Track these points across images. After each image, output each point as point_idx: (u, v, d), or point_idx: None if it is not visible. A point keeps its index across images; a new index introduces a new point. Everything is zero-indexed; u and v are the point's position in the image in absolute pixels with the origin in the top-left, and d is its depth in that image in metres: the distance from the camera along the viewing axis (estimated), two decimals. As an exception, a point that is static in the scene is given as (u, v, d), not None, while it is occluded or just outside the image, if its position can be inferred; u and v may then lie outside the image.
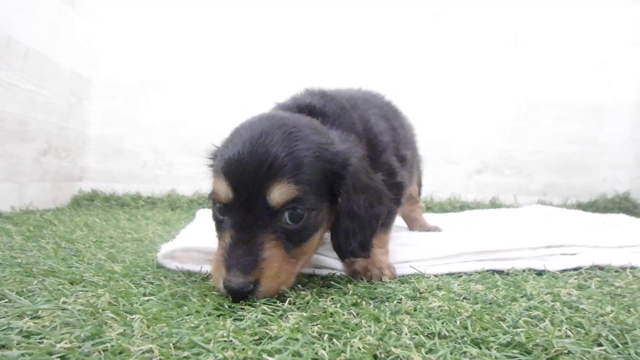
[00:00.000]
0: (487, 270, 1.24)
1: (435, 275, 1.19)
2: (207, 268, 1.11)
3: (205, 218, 1.95)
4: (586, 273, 1.26)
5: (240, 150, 0.95)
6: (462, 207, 3.31)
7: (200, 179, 3.32)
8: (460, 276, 1.20)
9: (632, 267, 1.30)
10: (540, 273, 1.25)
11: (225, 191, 0.94)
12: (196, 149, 3.31)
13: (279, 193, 0.92)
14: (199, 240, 1.21)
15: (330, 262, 1.19)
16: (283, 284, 0.95)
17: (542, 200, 3.45)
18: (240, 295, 0.88)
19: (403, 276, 1.17)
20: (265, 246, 0.92)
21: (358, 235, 1.05)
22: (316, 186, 0.98)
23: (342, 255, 1.07)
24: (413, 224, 2.03)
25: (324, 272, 1.16)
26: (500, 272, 1.24)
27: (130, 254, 1.34)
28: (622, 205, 3.34)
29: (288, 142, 0.97)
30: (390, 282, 1.10)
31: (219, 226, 0.99)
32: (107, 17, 3.26)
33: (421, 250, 1.29)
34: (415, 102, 3.40)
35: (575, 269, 1.30)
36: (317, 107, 1.24)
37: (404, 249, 1.32)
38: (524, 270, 1.26)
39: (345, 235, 1.04)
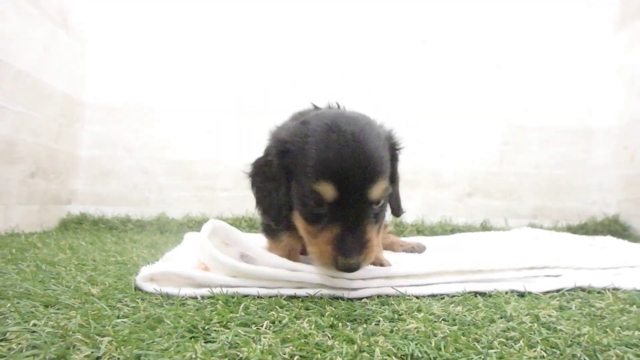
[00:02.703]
0: (469, 292, 1.23)
1: (417, 297, 1.19)
2: (186, 291, 1.10)
3: (193, 242, 1.94)
4: (568, 294, 1.26)
5: (342, 155, 1.12)
6: (453, 230, 3.31)
7: (190, 202, 3.32)
8: (442, 298, 1.19)
9: (614, 289, 1.30)
10: (522, 294, 1.25)
11: (332, 193, 1.11)
12: (187, 171, 3.32)
13: (377, 190, 1.14)
14: (179, 264, 1.20)
15: (314, 277, 1.18)
16: (378, 252, 1.29)
17: (533, 224, 3.45)
18: (353, 270, 1.12)
19: (382, 297, 1.16)
20: (366, 230, 1.13)
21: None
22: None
23: (397, 214, 1.44)
24: (393, 247, 2.02)
25: (304, 292, 1.15)
26: (482, 294, 1.24)
27: (111, 277, 1.32)
28: (612, 228, 3.35)
29: (374, 141, 1.17)
30: (370, 302, 1.09)
31: (316, 219, 1.16)
32: (99, 40, 3.29)
33: (402, 267, 1.28)
34: (403, 126, 3.44)
35: (557, 291, 1.29)
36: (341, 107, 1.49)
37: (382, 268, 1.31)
38: (506, 292, 1.25)
39: (397, 198, 1.43)
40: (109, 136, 3.30)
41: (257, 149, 1.44)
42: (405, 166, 3.52)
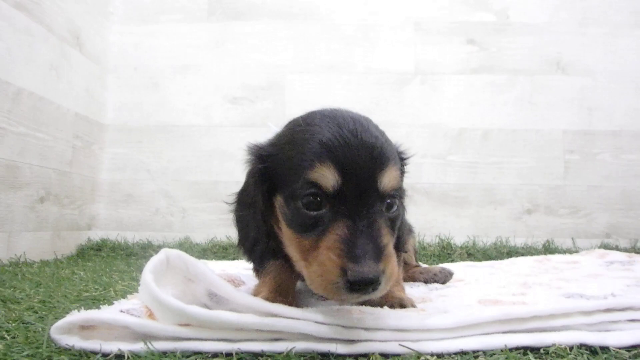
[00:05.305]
0: (516, 349, 0.87)
1: (439, 357, 0.84)
2: (111, 347, 0.81)
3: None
4: (666, 351, 0.87)
5: (341, 134, 0.89)
6: (510, 252, 2.88)
7: (215, 225, 3.09)
8: (477, 356, 0.84)
9: None
10: (595, 351, 0.87)
11: (333, 178, 0.87)
12: (211, 193, 3.10)
13: (388, 179, 0.90)
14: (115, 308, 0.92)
15: (294, 324, 0.85)
16: (396, 275, 0.90)
17: (606, 244, 2.97)
18: (370, 286, 0.81)
19: (388, 357, 0.82)
20: (383, 232, 0.87)
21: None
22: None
23: (398, 247, 1.03)
24: (414, 276, 1.66)
25: (277, 346, 0.83)
26: (535, 350, 0.87)
27: (53, 320, 1.06)
28: None
29: (379, 132, 0.96)
30: None
31: (312, 225, 0.89)
32: (118, 60, 3.19)
33: (423, 316, 0.94)
34: (442, 138, 3.12)
35: (649, 345, 0.90)
36: None
37: (394, 313, 0.97)
38: (571, 348, 0.87)
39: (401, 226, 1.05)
40: (130, 158, 3.15)
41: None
42: (451, 183, 3.17)
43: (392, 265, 0.85)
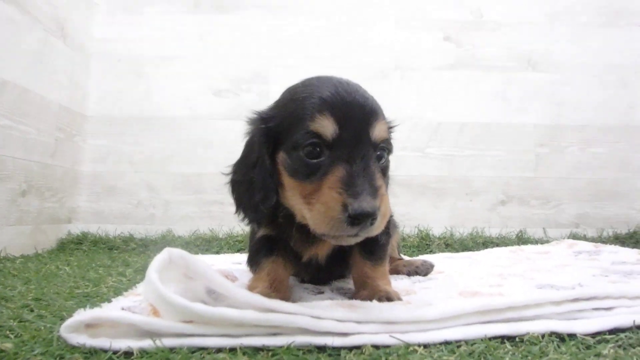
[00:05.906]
0: (494, 338, 0.95)
1: (425, 347, 0.91)
2: (120, 344, 0.86)
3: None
4: (627, 338, 0.96)
5: (338, 92, 1.03)
6: (485, 242, 3.00)
7: (198, 218, 3.12)
8: (460, 346, 0.92)
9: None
10: (564, 338, 0.96)
11: (332, 127, 1.00)
12: (194, 185, 3.12)
13: (379, 130, 1.03)
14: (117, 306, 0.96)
15: (291, 320, 0.92)
16: (388, 216, 1.00)
17: (575, 233, 3.12)
18: (369, 219, 0.92)
19: (378, 347, 0.89)
20: (377, 176, 0.98)
21: None
22: None
23: None
24: (397, 268, 1.73)
25: (277, 341, 0.89)
26: (511, 339, 0.95)
27: (52, 319, 1.10)
28: (666, 236, 2.97)
29: (369, 95, 1.09)
30: (359, 357, 0.83)
31: (313, 171, 1.00)
32: (102, 50, 3.15)
33: (409, 309, 1.01)
34: (421, 132, 3.20)
35: (611, 331, 0.99)
36: None
37: (383, 306, 1.04)
38: (543, 336, 0.96)
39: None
40: (112, 150, 3.13)
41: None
42: (430, 174, 3.27)
43: (386, 204, 0.98)
